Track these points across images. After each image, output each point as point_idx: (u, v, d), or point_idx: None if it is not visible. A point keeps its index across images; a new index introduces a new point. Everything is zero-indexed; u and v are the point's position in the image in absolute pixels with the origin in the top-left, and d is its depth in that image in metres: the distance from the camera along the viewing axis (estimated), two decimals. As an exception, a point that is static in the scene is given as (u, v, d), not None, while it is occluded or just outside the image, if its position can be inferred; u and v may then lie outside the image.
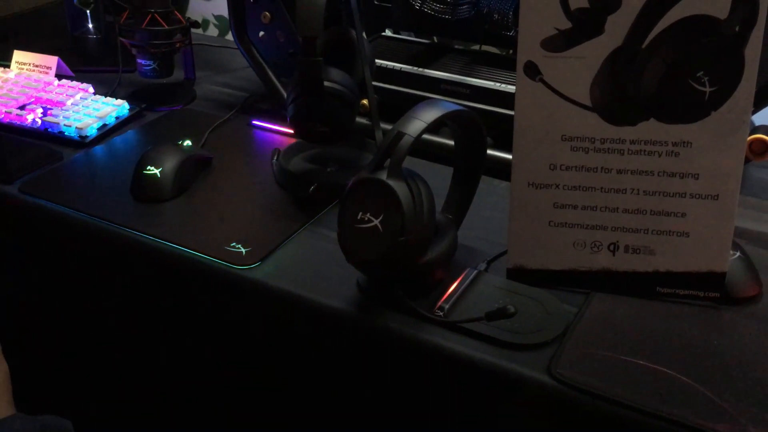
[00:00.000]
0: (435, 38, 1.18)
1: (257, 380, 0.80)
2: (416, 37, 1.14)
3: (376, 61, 0.99)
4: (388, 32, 1.17)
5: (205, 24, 1.56)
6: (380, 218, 0.63)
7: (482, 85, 0.95)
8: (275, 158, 0.92)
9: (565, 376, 0.62)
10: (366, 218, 0.64)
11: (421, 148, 0.92)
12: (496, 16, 0.99)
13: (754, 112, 0.86)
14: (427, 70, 0.99)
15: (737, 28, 0.62)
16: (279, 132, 1.03)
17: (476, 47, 1.14)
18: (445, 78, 0.97)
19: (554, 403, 0.62)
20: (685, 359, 0.63)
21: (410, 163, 0.65)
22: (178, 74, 1.17)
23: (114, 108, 1.03)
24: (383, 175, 0.63)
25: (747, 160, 0.78)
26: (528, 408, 0.64)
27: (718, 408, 0.59)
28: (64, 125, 0.99)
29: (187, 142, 0.92)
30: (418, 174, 0.67)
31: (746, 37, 0.62)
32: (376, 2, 1.10)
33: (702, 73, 0.63)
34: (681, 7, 0.62)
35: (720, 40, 0.62)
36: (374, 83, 0.97)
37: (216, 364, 0.83)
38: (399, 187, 0.63)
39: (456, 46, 1.11)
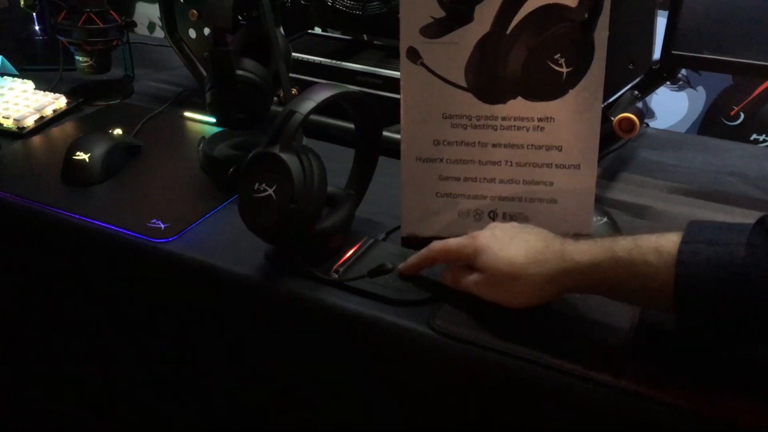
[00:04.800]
0: (365, 36, 1.26)
1: (174, 346, 0.87)
2: (342, 34, 1.22)
3: (297, 54, 1.06)
4: (317, 30, 1.25)
5: (151, 26, 1.63)
6: (273, 188, 0.70)
7: (393, 76, 1.02)
8: (200, 145, 0.99)
9: (441, 326, 0.69)
10: (262, 188, 0.70)
11: (333, 133, 1.00)
12: (409, 12, 1.06)
13: (643, 96, 0.95)
14: (344, 63, 1.06)
15: (586, 15, 0.70)
16: (208, 123, 1.10)
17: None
18: (360, 70, 1.05)
19: (433, 351, 0.69)
20: (545, 308, 0.70)
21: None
22: (119, 72, 1.23)
23: (51, 102, 1.10)
24: (276, 149, 0.70)
25: (617, 137, 0.86)
26: (411, 356, 0.71)
27: (564, 348, 0.65)
28: (3, 117, 1.04)
29: (117, 131, 0.98)
30: (313, 150, 0.74)
31: (594, 23, 0.70)
32: (302, 2, 1.17)
33: (559, 55, 0.71)
34: (538, -3, 0.70)
35: (571, 26, 0.70)
36: (294, 75, 1.04)
37: (138, 333, 0.89)
38: (290, 159, 0.70)
39: (376, 42, 1.18)
